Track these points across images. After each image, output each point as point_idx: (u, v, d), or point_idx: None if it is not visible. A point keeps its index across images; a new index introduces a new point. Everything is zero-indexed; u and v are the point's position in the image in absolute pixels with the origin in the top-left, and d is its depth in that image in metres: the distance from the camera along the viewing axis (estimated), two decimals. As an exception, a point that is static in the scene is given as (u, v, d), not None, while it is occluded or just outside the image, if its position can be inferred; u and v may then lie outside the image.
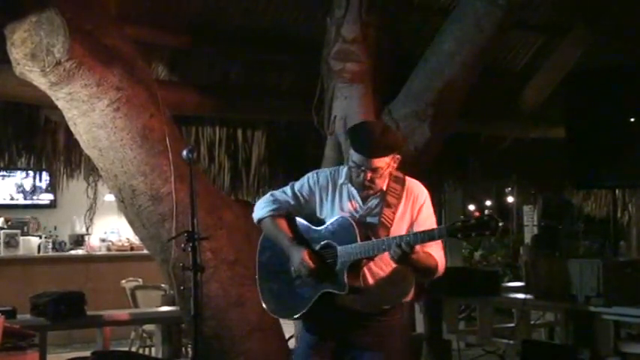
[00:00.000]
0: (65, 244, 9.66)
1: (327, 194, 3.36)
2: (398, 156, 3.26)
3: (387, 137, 3.23)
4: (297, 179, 3.47)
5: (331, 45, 4.91)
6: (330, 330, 3.35)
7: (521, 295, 6.17)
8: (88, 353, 5.36)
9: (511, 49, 6.47)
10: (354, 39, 4.85)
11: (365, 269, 3.24)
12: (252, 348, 4.70)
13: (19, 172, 9.52)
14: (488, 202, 12.00)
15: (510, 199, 12.34)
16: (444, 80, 4.77)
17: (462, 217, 2.99)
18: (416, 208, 3.30)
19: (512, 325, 6.67)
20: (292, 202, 3.40)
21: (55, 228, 9.79)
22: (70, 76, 4.01)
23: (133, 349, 7.35)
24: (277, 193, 3.46)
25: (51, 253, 9.30)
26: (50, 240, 9.47)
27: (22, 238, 9.07)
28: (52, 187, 8.91)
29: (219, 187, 5.94)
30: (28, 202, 9.99)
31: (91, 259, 9.38)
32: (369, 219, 3.28)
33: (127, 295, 7.32)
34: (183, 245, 3.45)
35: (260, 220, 3.46)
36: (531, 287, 6.07)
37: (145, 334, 7.30)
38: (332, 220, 3.29)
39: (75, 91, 4.11)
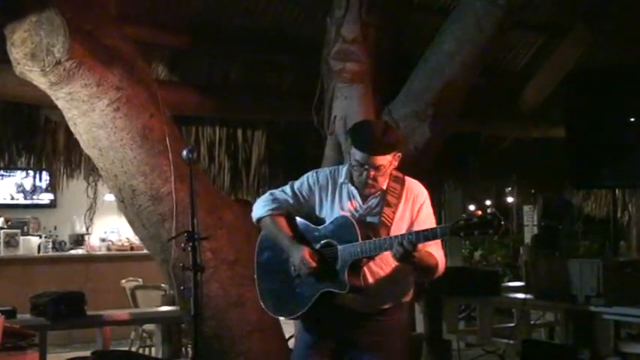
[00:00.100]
0: (65, 243, 9.66)
1: (326, 194, 3.35)
2: (399, 154, 3.26)
3: (388, 135, 3.24)
4: (296, 179, 3.47)
5: (331, 45, 4.91)
6: (330, 329, 3.35)
7: (521, 295, 6.18)
8: (88, 353, 5.36)
9: (511, 49, 6.48)
10: (354, 39, 4.84)
11: (365, 269, 3.23)
12: (252, 348, 4.70)
13: (19, 171, 9.53)
14: (488, 202, 11.99)
15: (510, 199, 12.34)
16: (444, 80, 4.77)
17: (464, 215, 2.97)
18: (415, 207, 3.30)
19: (512, 325, 6.67)
20: (291, 202, 3.40)
21: (55, 228, 9.79)
22: (70, 76, 4.01)
23: (133, 349, 7.35)
24: (276, 192, 3.46)
25: (51, 253, 9.30)
26: (50, 240, 9.47)
27: (22, 237, 9.08)
28: (52, 187, 8.89)
29: (219, 187, 5.94)
30: (28, 201, 10.00)
31: (91, 259, 9.38)
32: (369, 218, 3.28)
33: (127, 295, 7.32)
34: (183, 245, 3.45)
35: (259, 219, 3.45)
36: (531, 287, 6.07)
37: (145, 334, 7.30)
38: (332, 218, 3.29)
39: (75, 91, 4.11)
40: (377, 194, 3.28)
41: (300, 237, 3.34)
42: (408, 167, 3.42)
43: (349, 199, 3.31)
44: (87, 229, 8.57)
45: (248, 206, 3.77)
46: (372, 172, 3.20)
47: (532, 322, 6.65)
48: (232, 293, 4.62)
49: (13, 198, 9.92)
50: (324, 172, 3.43)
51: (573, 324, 5.63)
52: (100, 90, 4.15)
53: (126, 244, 9.66)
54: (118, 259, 9.37)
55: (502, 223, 2.90)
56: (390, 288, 3.31)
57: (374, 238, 3.15)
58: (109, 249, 9.65)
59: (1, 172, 9.26)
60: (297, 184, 3.43)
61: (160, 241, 4.54)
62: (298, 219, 3.40)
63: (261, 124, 6.17)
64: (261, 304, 3.50)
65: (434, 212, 3.37)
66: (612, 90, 5.83)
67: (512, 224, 12.05)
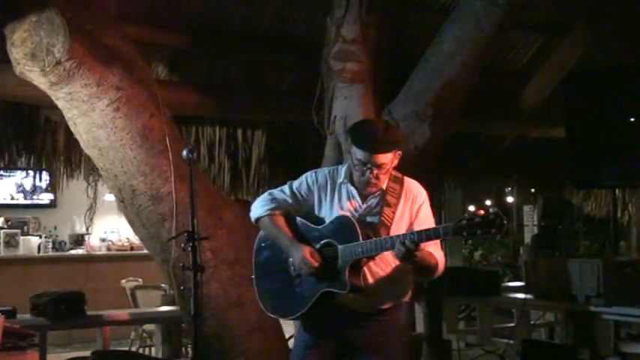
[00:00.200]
0: (65, 243, 9.66)
1: (325, 193, 3.35)
2: (400, 152, 3.26)
3: (389, 133, 3.24)
4: (296, 179, 3.47)
5: (331, 45, 4.92)
6: (329, 329, 3.34)
7: (521, 295, 6.18)
8: (88, 353, 5.36)
9: (511, 49, 6.47)
10: (354, 39, 4.85)
11: (365, 269, 3.23)
12: (252, 348, 4.70)
13: (19, 171, 9.53)
14: (488, 202, 12.00)
15: (510, 199, 12.35)
16: (443, 80, 4.77)
17: (466, 215, 2.96)
18: (415, 208, 3.30)
19: (512, 325, 6.67)
20: (290, 201, 3.40)
21: (55, 228, 9.79)
22: (70, 76, 4.01)
23: (133, 349, 7.35)
24: (275, 191, 3.45)
25: (51, 253, 9.30)
26: (50, 240, 9.47)
27: (22, 237, 9.08)
28: (52, 187, 8.90)
29: (219, 187, 5.94)
30: (28, 201, 9.99)
31: (91, 258, 9.38)
32: (369, 218, 3.27)
33: (127, 295, 7.32)
34: (183, 245, 3.45)
35: (258, 219, 3.44)
36: (531, 287, 6.07)
37: (145, 334, 7.30)
38: (332, 218, 3.29)
39: (75, 90, 4.11)
40: (376, 194, 3.28)
41: (300, 237, 3.33)
42: (408, 167, 3.42)
43: (349, 199, 3.31)
44: (87, 229, 8.57)
45: (248, 206, 3.77)
46: (375, 171, 3.20)
47: (532, 322, 6.65)
48: (232, 293, 4.62)
49: (13, 198, 9.91)
50: (323, 172, 3.42)
51: (573, 324, 5.62)
52: (100, 90, 4.15)
53: (126, 244, 9.65)
54: (118, 259, 9.36)
55: (505, 222, 2.89)
56: (390, 288, 3.31)
57: (374, 238, 3.15)
58: (109, 249, 9.65)
59: (1, 172, 9.28)
60: (295, 183, 3.42)
61: (160, 241, 4.54)
62: (298, 219, 3.39)
63: (261, 124, 6.17)
64: (260, 304, 3.49)
65: (434, 212, 3.37)
66: (612, 90, 5.83)
67: (512, 224, 12.05)
